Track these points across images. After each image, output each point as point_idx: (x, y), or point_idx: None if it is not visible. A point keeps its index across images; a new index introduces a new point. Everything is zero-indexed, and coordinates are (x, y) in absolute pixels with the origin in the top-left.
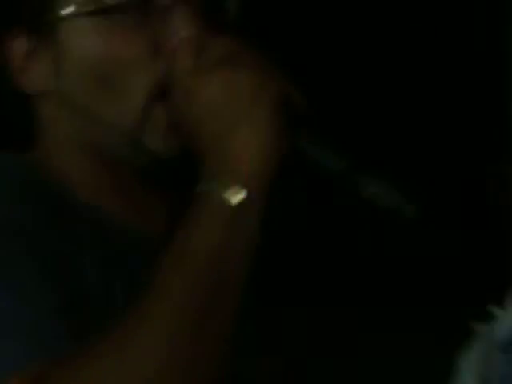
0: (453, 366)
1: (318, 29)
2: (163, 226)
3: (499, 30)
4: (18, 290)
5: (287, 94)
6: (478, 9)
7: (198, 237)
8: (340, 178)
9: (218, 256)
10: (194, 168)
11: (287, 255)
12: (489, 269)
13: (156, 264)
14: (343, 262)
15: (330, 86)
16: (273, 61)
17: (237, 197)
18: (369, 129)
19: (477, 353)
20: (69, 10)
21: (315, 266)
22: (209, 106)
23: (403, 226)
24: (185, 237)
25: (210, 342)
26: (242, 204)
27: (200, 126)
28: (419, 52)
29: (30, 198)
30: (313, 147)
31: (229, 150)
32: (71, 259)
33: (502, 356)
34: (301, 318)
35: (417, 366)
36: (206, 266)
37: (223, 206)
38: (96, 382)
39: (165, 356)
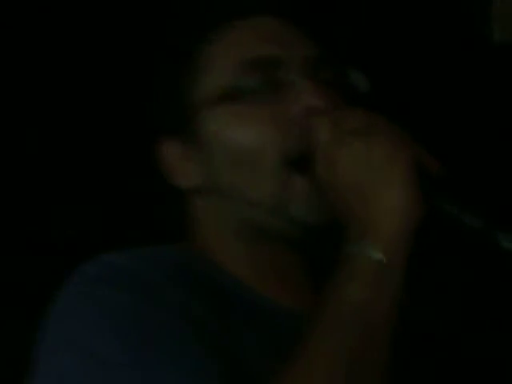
0: None
1: (453, 100)
2: (309, 300)
3: None
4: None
5: (422, 160)
6: None
7: (349, 294)
8: (480, 235)
9: (367, 311)
10: (336, 233)
11: None
12: None
13: (307, 321)
14: None
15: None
16: (404, 128)
17: (381, 258)
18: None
19: None
20: (207, 104)
21: None
22: (350, 176)
23: None
24: (335, 294)
25: None
26: (385, 264)
27: (343, 193)
28: None
29: (190, 282)
30: (451, 207)
31: (371, 214)
32: (230, 341)
33: None
34: None
35: None
36: (356, 320)
37: (369, 267)
38: None
39: None
